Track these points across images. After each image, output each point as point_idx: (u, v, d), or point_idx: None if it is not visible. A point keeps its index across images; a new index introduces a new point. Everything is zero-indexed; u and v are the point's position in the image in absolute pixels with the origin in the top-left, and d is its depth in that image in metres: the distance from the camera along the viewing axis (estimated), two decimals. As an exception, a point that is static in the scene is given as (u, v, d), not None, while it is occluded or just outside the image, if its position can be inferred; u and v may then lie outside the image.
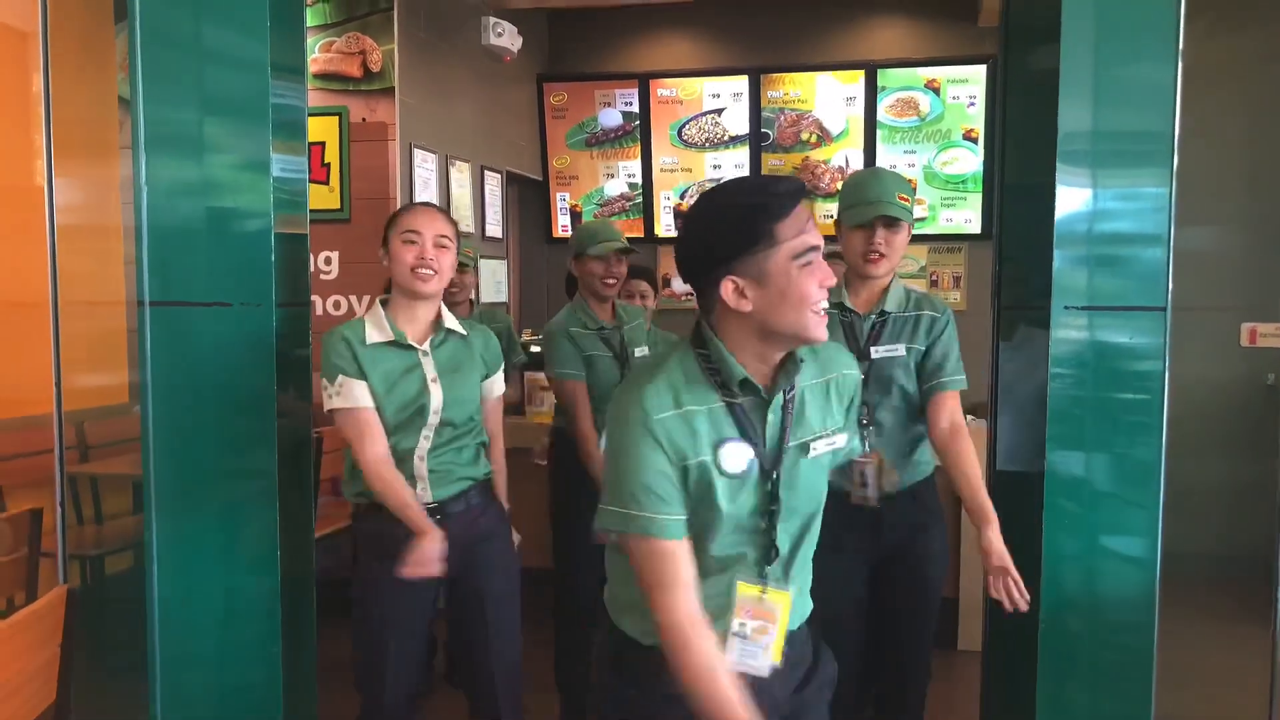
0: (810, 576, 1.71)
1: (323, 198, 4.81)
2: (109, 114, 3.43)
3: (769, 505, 1.57)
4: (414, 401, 2.35)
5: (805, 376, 1.62)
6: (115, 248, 3.14)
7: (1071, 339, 2.41)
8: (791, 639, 1.64)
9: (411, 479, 2.37)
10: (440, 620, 2.58)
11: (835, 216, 2.54)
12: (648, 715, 1.62)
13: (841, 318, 2.46)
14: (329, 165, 4.86)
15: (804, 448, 1.60)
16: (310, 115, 2.68)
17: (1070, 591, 2.44)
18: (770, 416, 1.57)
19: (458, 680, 3.46)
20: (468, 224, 5.58)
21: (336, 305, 4.90)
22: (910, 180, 6.18)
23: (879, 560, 2.50)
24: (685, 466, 1.52)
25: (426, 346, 2.39)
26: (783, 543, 1.60)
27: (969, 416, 4.19)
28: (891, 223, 2.41)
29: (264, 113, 2.36)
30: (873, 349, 2.44)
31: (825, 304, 1.51)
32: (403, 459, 2.37)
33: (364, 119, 4.86)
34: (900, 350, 2.45)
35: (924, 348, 2.47)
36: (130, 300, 2.40)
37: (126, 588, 2.61)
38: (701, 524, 1.55)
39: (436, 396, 2.36)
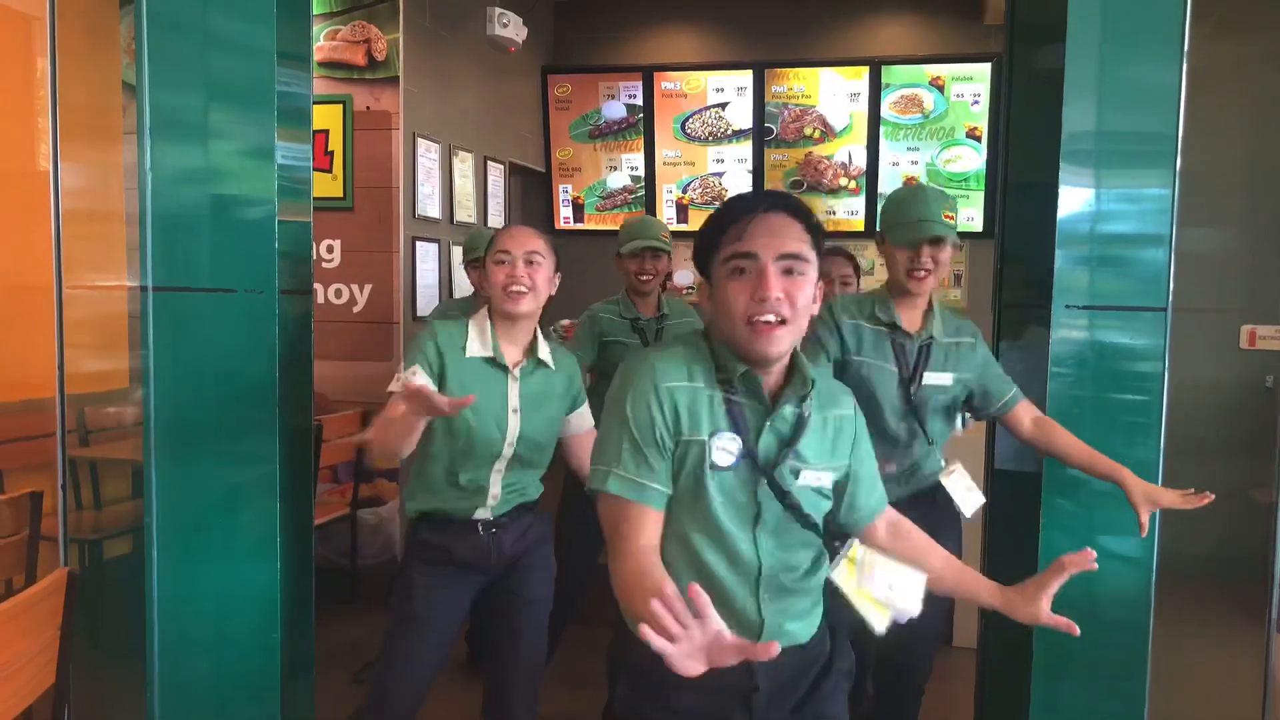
0: (815, 598, 1.68)
1: (326, 186, 4.81)
2: (113, 99, 3.43)
3: (752, 510, 1.56)
4: (490, 428, 2.31)
5: (812, 404, 1.60)
6: (118, 233, 3.14)
7: (1072, 338, 2.41)
8: (791, 653, 1.63)
9: (483, 494, 2.36)
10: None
11: (879, 231, 2.54)
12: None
13: (893, 337, 2.46)
14: (332, 153, 4.86)
15: (795, 473, 1.58)
16: (314, 103, 2.68)
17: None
18: (777, 424, 1.56)
19: (476, 667, 3.48)
20: (470, 214, 5.58)
21: (338, 294, 4.91)
22: (913, 178, 6.18)
23: None
24: (682, 441, 1.52)
25: (517, 372, 2.36)
26: (765, 555, 1.58)
27: (968, 414, 4.22)
28: (937, 240, 2.41)
29: (269, 100, 2.36)
30: (925, 375, 2.46)
31: (770, 318, 1.48)
32: (476, 483, 2.35)
33: (368, 107, 4.85)
34: (948, 380, 2.48)
35: (969, 376, 2.50)
36: (133, 285, 2.40)
37: (125, 572, 2.62)
38: (694, 517, 1.55)
39: (514, 428, 2.33)
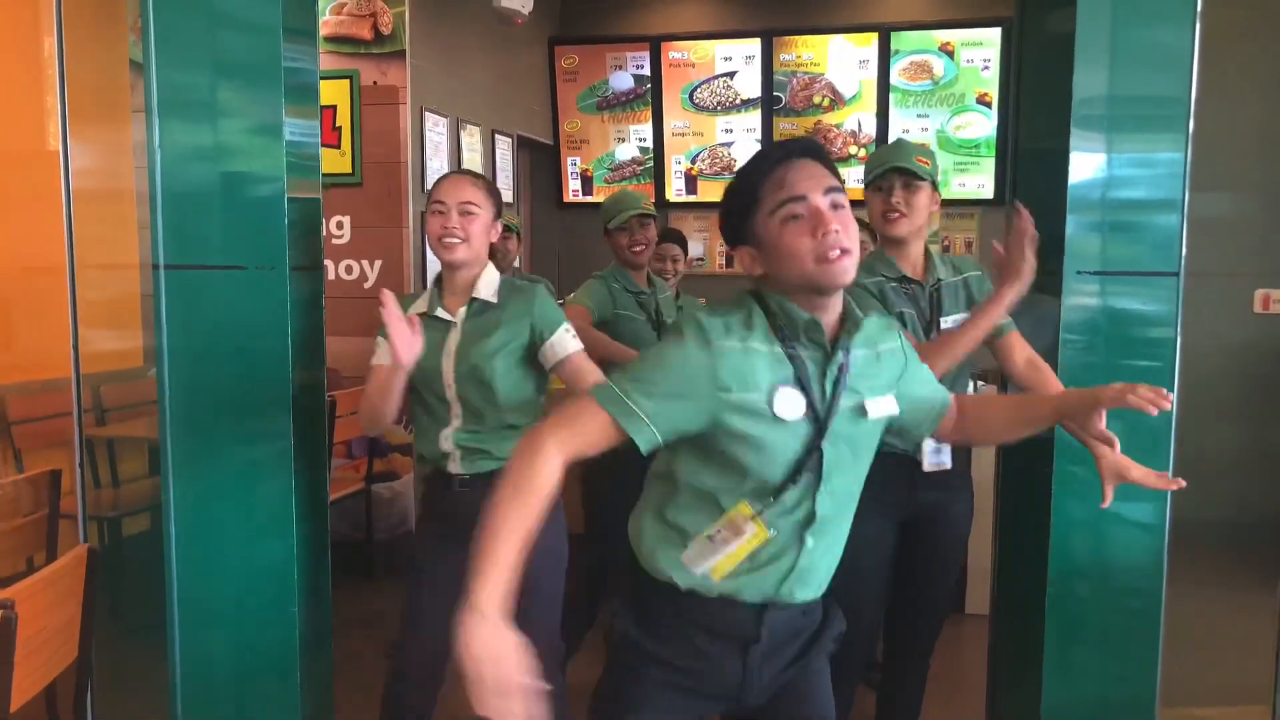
0: (841, 550, 1.70)
1: (334, 162, 4.81)
2: (121, 77, 3.43)
3: (812, 457, 1.56)
4: (432, 377, 2.34)
5: (857, 343, 1.62)
6: (129, 212, 3.16)
7: (1084, 304, 2.41)
8: (797, 611, 1.65)
9: (444, 454, 2.37)
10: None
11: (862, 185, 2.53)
12: (658, 661, 1.63)
13: (905, 289, 2.44)
14: (340, 129, 4.86)
15: (860, 409, 1.60)
16: (321, 79, 2.68)
17: (1079, 557, 2.45)
18: (832, 371, 1.57)
19: None
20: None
21: (349, 270, 4.92)
22: (923, 145, 6.14)
23: (909, 517, 2.51)
24: (725, 400, 1.51)
25: (458, 317, 2.37)
26: (822, 503, 1.59)
27: (980, 383, 4.23)
28: (909, 183, 2.40)
29: (276, 76, 2.36)
30: (942, 320, 2.44)
31: (836, 251, 1.49)
32: (431, 437, 2.38)
33: (375, 82, 4.84)
34: (966, 319, 2.42)
35: (979, 305, 2.46)
36: (145, 264, 2.41)
37: (144, 549, 2.65)
38: (737, 471, 1.56)
39: (448, 372, 2.34)
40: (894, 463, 2.42)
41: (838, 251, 1.50)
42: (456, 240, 2.33)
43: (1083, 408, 1.68)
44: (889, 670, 2.73)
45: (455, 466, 2.38)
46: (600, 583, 3.28)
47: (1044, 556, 2.43)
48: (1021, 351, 2.44)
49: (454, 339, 2.35)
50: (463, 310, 2.38)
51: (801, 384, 1.55)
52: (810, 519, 1.59)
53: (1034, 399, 1.85)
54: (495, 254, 3.49)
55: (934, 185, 2.48)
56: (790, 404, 1.54)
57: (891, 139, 6.19)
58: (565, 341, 2.36)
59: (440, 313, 2.37)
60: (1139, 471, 2.16)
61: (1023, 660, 2.59)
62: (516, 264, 6.09)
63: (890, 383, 1.68)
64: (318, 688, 2.59)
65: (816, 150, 1.58)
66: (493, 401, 2.33)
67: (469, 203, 2.35)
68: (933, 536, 2.55)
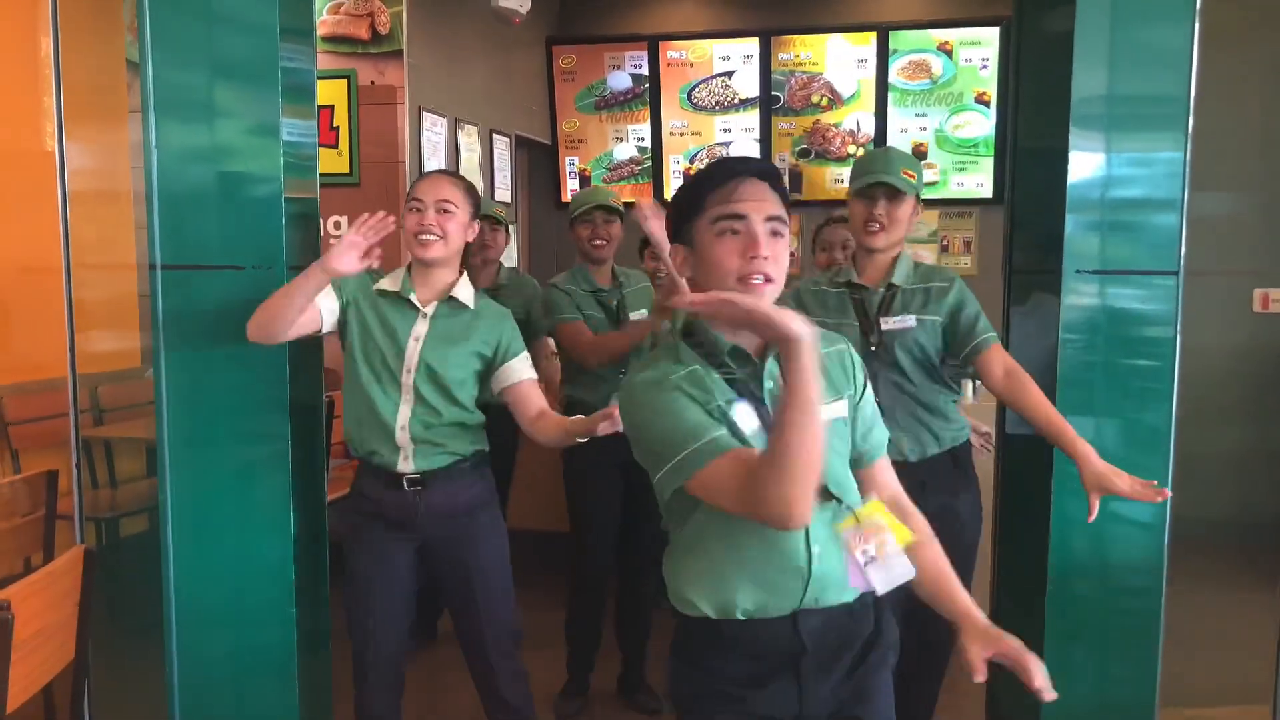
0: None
1: (332, 161, 4.80)
2: (118, 77, 3.43)
3: None
4: (391, 356, 2.35)
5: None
6: (126, 212, 3.15)
7: (1083, 304, 2.40)
8: (837, 615, 1.63)
9: (395, 448, 2.37)
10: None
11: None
12: (719, 696, 1.63)
13: (852, 295, 2.49)
14: (338, 129, 4.85)
15: None
16: (318, 78, 2.67)
17: (1079, 556, 2.45)
18: (768, 383, 1.58)
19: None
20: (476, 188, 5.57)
21: (346, 270, 4.91)
22: (922, 144, 6.14)
23: None
24: (710, 409, 1.53)
25: (429, 310, 2.39)
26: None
27: (980, 382, 4.22)
28: (893, 195, 2.41)
29: (273, 76, 2.35)
30: (882, 320, 2.44)
31: (760, 277, 1.51)
32: (383, 426, 2.37)
33: (372, 82, 4.84)
34: (910, 321, 2.44)
35: (940, 318, 2.45)
36: (142, 264, 2.40)
37: (142, 550, 2.64)
38: None
39: (413, 356, 2.35)
40: (905, 469, 2.41)
41: (760, 278, 1.52)
42: (433, 238, 2.36)
43: (985, 644, 1.61)
44: (905, 676, 2.72)
45: (406, 464, 2.38)
46: (588, 577, 3.28)
47: (1044, 556, 2.43)
48: (1001, 364, 2.41)
49: (421, 326, 2.38)
50: (434, 305, 2.39)
51: (746, 397, 1.56)
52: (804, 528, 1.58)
53: (952, 591, 1.75)
54: (484, 247, 3.51)
55: (917, 196, 2.48)
56: (746, 417, 1.55)
57: (890, 138, 6.18)
58: (521, 369, 2.45)
59: (412, 298, 2.39)
60: (1124, 482, 2.16)
61: (1022, 660, 2.58)
62: (515, 264, 6.09)
63: (840, 384, 1.67)
64: (315, 688, 2.59)
65: (772, 174, 1.60)
66: (446, 396, 2.38)
67: (446, 201, 2.37)
68: (941, 538, 2.54)
